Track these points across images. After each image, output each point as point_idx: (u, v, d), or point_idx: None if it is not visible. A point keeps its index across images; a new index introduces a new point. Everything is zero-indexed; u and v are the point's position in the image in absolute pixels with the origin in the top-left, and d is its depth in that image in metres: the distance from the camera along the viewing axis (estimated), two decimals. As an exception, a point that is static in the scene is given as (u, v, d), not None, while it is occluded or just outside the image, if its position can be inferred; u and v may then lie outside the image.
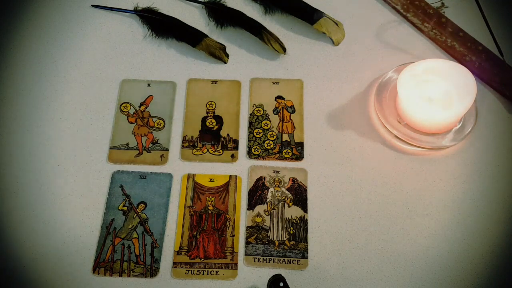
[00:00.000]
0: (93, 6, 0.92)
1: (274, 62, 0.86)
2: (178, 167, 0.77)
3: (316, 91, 0.83)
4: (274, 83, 0.84)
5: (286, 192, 0.75)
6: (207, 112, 0.82)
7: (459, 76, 0.75)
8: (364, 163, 0.77)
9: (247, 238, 0.72)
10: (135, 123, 0.80)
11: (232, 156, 0.78)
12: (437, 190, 0.74)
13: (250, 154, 0.78)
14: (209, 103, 0.82)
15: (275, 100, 0.82)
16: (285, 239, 0.72)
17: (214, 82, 0.84)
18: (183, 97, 0.83)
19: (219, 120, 0.81)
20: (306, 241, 0.71)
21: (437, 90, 0.76)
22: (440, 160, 0.77)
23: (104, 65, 0.85)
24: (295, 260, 0.70)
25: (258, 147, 0.78)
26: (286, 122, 0.81)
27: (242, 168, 0.77)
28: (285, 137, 0.79)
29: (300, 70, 0.85)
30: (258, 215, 0.73)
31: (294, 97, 0.82)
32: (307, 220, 0.73)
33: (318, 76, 0.84)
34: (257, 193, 0.75)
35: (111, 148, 0.78)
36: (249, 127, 0.80)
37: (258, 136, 0.79)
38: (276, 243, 0.71)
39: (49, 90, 0.83)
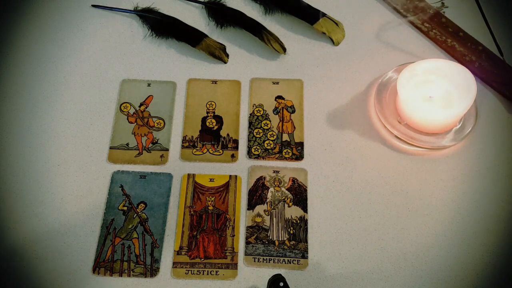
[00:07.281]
0: (93, 6, 0.92)
1: (274, 62, 0.86)
2: (178, 167, 0.77)
3: (316, 91, 0.83)
4: (274, 83, 0.84)
5: (286, 192, 0.75)
6: (207, 112, 0.82)
7: (459, 76, 0.75)
8: (364, 163, 0.77)
9: (247, 238, 0.72)
10: (135, 123, 0.80)
11: (232, 156, 0.78)
12: (437, 190, 0.74)
13: (250, 154, 0.78)
14: (209, 103, 0.82)
15: (275, 100, 0.82)
16: (285, 239, 0.72)
17: (214, 82, 0.84)
18: (183, 97, 0.83)
19: (219, 120, 0.81)
20: (306, 241, 0.71)
21: (437, 90, 0.76)
22: (440, 160, 0.77)
23: (104, 65, 0.86)
24: (295, 260, 0.70)
25: (258, 147, 0.78)
26: (286, 122, 0.80)
27: (242, 168, 0.77)
28: (285, 137, 0.79)
29: (300, 70, 0.85)
30: (258, 215, 0.73)
31: (294, 97, 0.82)
32: (307, 220, 0.73)
33: (318, 76, 0.84)
34: (257, 193, 0.75)
35: (111, 148, 0.78)
36: (249, 127, 0.80)
37: (258, 136, 0.79)
38: (276, 243, 0.71)
39: (49, 90, 0.83)
